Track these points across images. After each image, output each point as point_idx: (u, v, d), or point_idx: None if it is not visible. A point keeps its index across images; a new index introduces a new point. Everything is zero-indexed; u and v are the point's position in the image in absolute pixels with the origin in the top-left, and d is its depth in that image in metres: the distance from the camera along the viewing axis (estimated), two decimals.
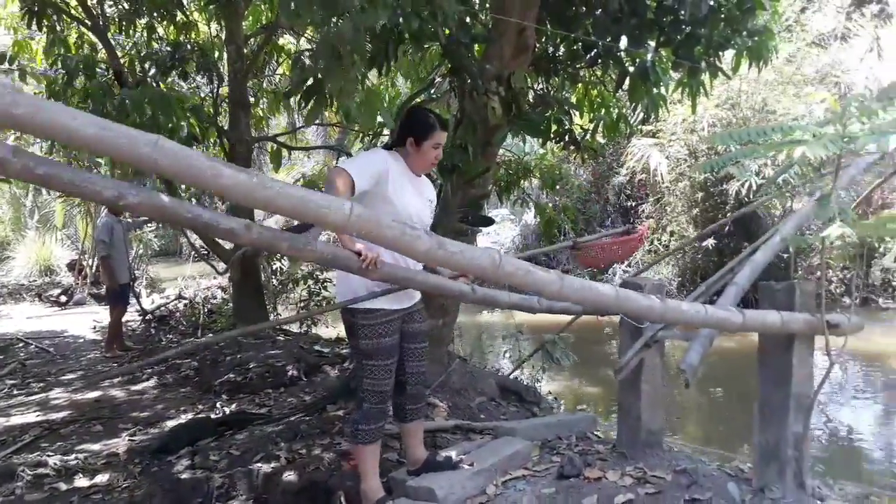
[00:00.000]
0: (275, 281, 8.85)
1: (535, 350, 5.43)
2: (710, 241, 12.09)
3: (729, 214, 11.89)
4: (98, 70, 6.47)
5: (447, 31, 3.42)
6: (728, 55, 5.11)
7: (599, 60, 4.89)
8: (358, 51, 2.66)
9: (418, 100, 6.51)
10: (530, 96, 4.96)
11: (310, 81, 3.36)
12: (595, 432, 4.10)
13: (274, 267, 8.81)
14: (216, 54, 7.83)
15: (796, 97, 11.85)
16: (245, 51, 7.64)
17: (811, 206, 3.25)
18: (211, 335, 7.75)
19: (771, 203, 11.26)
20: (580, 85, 5.95)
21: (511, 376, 5.44)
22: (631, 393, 3.52)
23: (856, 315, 3.01)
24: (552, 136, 5.29)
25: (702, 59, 4.63)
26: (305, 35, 7.53)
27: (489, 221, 4.59)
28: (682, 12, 4.30)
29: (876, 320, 10.38)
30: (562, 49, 5.19)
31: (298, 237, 2.05)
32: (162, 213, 1.74)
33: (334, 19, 3.02)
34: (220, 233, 1.87)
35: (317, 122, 7.89)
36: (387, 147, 3.07)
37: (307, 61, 3.51)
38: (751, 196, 11.23)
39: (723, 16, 4.63)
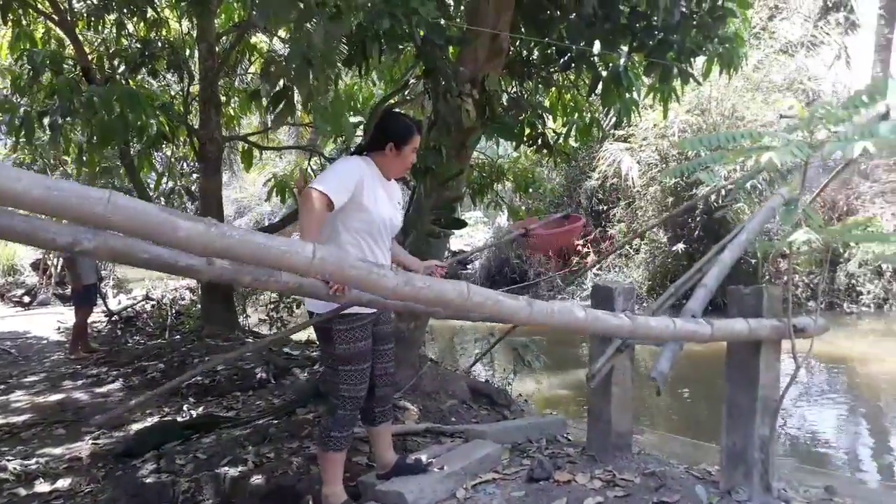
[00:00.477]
0: None
1: (492, 345, 5.42)
2: (681, 246, 12.24)
3: (699, 220, 12.08)
4: (65, 66, 6.34)
5: (421, 33, 3.40)
6: (699, 61, 5.17)
7: (573, 65, 4.91)
8: (327, 57, 2.63)
9: (392, 101, 6.52)
10: (504, 99, 4.97)
11: (280, 86, 3.33)
12: (565, 435, 4.11)
13: None
14: (187, 52, 7.72)
15: (765, 104, 12.05)
16: (217, 49, 7.55)
17: (775, 200, 3.29)
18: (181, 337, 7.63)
19: (740, 208, 11.43)
20: (554, 89, 5.98)
21: (483, 379, 5.44)
22: (601, 396, 3.53)
23: (821, 318, 3.06)
24: (525, 139, 5.31)
25: (673, 64, 4.67)
26: (278, 35, 7.47)
27: (461, 224, 4.58)
28: (655, 18, 4.33)
29: (841, 324, 10.58)
30: (536, 53, 5.21)
31: (261, 271, 2.02)
32: (119, 256, 1.69)
33: (307, 24, 2.99)
34: (181, 270, 1.84)
35: (289, 122, 7.83)
36: (358, 151, 3.03)
37: (276, 66, 3.47)
38: (720, 201, 11.39)
39: (695, 23, 4.68)
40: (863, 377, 7.96)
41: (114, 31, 7.20)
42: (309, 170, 7.97)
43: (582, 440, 3.80)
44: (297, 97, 3.61)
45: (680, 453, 4.65)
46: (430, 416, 4.38)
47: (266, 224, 13.81)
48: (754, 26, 12.91)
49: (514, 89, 5.55)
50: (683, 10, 4.54)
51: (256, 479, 3.54)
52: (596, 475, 3.21)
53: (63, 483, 3.73)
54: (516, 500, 3.02)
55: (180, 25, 8.19)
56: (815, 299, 11.55)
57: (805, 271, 11.76)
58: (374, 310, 2.94)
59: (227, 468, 3.67)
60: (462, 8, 5.08)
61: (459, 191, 4.49)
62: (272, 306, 8.05)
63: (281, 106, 3.56)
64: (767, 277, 11.00)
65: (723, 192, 11.08)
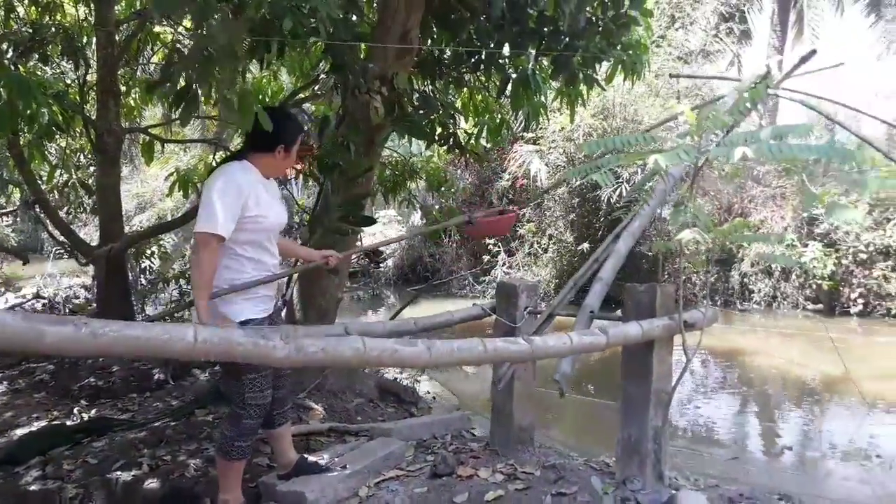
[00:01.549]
0: (144, 280, 8.39)
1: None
2: (586, 245, 12.60)
3: (602, 221, 12.49)
4: None
5: (330, 29, 3.36)
6: (605, 66, 5.34)
7: (482, 66, 4.98)
8: (229, 52, 2.55)
9: (302, 95, 6.41)
10: (415, 98, 4.98)
11: (182, 81, 3.21)
12: (471, 430, 4.17)
13: (143, 265, 8.36)
14: (84, 39, 7.32)
15: (665, 109, 12.57)
16: (117, 37, 7.20)
17: (660, 192, 3.45)
18: None
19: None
20: (465, 89, 6.04)
21: (390, 377, 5.43)
22: (504, 392, 3.60)
23: (710, 310, 3.22)
24: (437, 138, 5.33)
25: (579, 69, 4.81)
26: (183, 25, 7.21)
27: (371, 221, 4.56)
28: (562, 24, 4.44)
29: (734, 321, 11.18)
30: (448, 53, 5.25)
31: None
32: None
33: (209, 19, 2.90)
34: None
35: (196, 115, 7.57)
36: (236, 156, 2.89)
37: (178, 60, 3.35)
38: (621, 202, 11.80)
39: (600, 29, 4.83)
40: (754, 370, 8.43)
41: (2, 13, 6.74)
42: (214, 163, 7.72)
43: (487, 435, 3.86)
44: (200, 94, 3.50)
45: (581, 446, 4.79)
46: (336, 415, 4.35)
47: (169, 219, 13.28)
48: (658, 35, 13.43)
49: (426, 88, 5.57)
50: (589, 16, 4.69)
51: (151, 483, 3.41)
52: (498, 469, 3.28)
53: None
54: (419, 496, 3.03)
55: (76, 11, 7.76)
56: (708, 297, 12.17)
57: (703, 270, 12.35)
58: (269, 311, 2.88)
59: (119, 473, 3.52)
60: (374, 5, 5.06)
61: (368, 188, 4.47)
62: (173, 305, 7.76)
63: (184, 103, 3.44)
64: (667, 276, 11.49)
65: (623, 193, 11.53)
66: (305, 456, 3.22)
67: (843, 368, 6.42)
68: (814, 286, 12.19)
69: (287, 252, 3.15)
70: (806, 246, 12.13)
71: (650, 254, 11.55)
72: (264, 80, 7.82)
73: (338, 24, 3.26)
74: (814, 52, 3.74)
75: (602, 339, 2.69)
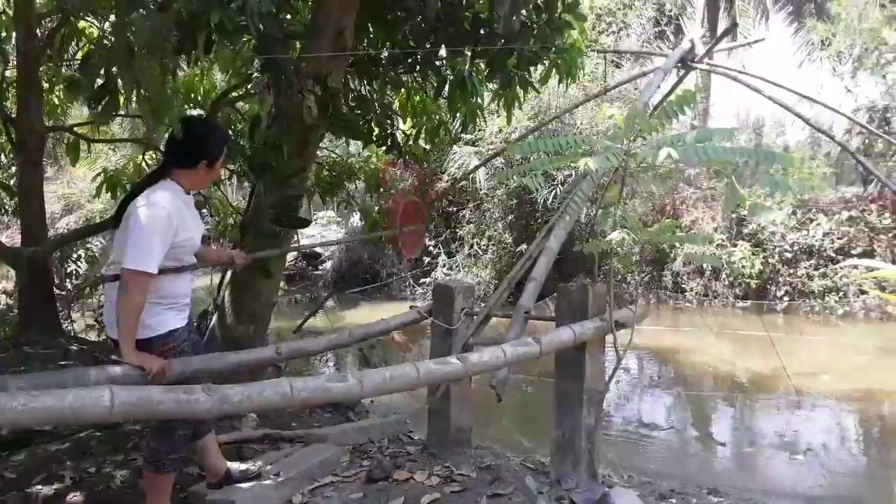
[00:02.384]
0: (69, 285, 8.06)
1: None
2: (524, 246, 12.73)
3: (539, 221, 12.65)
4: None
5: (260, 26, 3.28)
6: (540, 69, 5.40)
7: (419, 67, 4.96)
8: (153, 47, 2.47)
9: (235, 94, 6.27)
10: (351, 98, 4.93)
11: (102, 77, 3.09)
12: (408, 433, 4.14)
13: (68, 269, 8.03)
14: (3, 33, 6.99)
15: (598, 112, 12.83)
16: (38, 31, 6.90)
17: (587, 188, 3.51)
18: None
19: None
20: (403, 90, 6.01)
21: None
22: (441, 394, 3.59)
23: (641, 308, 3.29)
24: (374, 139, 5.29)
25: (514, 72, 4.84)
26: (109, 20, 6.96)
27: (305, 223, 4.48)
28: (497, 26, 4.46)
29: (667, 320, 11.47)
30: (385, 53, 5.21)
31: None
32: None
33: (131, 13, 2.80)
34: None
35: (120, 114, 7.31)
36: (158, 172, 2.74)
37: (98, 55, 3.22)
38: (556, 203, 11.99)
39: (534, 32, 4.88)
40: (688, 367, 8.67)
41: None
42: (143, 164, 7.47)
43: (425, 438, 3.84)
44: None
45: (519, 446, 4.82)
46: (270, 422, 4.25)
47: (97, 221, 12.81)
48: (591, 40, 13.69)
49: (363, 89, 5.52)
50: (524, 19, 4.72)
51: (74, 497, 3.26)
52: (434, 472, 3.27)
53: None
54: (354, 501, 3.00)
55: None
56: (642, 294, 12.48)
57: (635, 270, 12.63)
58: (186, 320, 2.79)
59: (40, 487, 3.35)
60: (308, 3, 4.98)
61: (302, 189, 4.39)
62: (100, 311, 7.48)
63: (105, 100, 3.31)
64: (602, 276, 11.71)
65: (558, 194, 11.72)
66: (237, 464, 3.14)
67: (776, 364, 6.69)
68: (743, 284, 12.62)
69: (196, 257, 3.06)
70: (735, 246, 12.56)
71: (587, 254, 11.74)
72: (196, 79, 7.63)
73: (268, 20, 3.19)
74: (735, 25, 3.88)
75: (535, 348, 2.72)
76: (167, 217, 2.51)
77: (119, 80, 3.16)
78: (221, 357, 2.80)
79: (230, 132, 5.47)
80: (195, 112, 7.11)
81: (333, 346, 3.50)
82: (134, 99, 3.13)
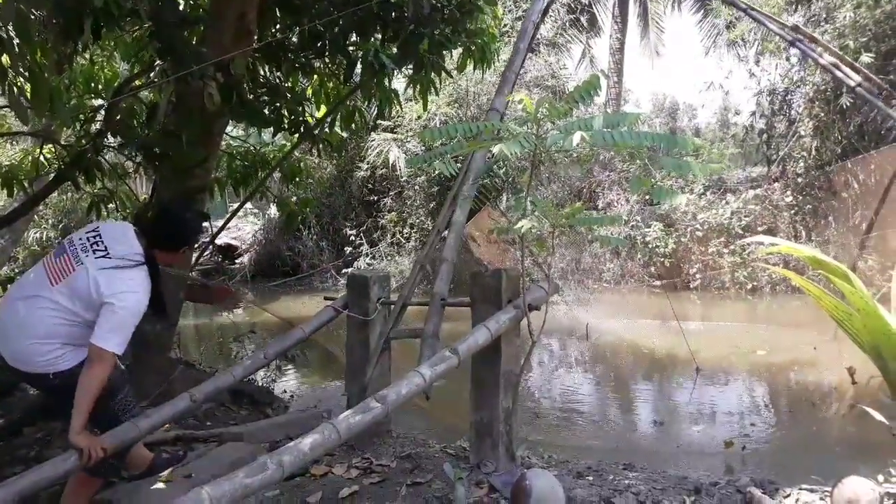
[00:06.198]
0: None
1: None
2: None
3: None
4: None
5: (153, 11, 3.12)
6: (456, 55, 5.37)
7: (328, 51, 4.84)
8: (23, 34, 2.29)
9: (137, 82, 5.96)
10: (259, 84, 4.77)
11: None
12: None
13: None
14: None
15: (517, 99, 12.96)
16: None
17: (482, 156, 3.53)
18: None
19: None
20: (316, 77, 5.86)
21: (245, 379, 5.19)
22: (358, 384, 3.55)
23: (552, 285, 3.32)
24: (285, 126, 5.14)
25: (426, 56, 4.79)
26: None
27: (204, 217, 4.32)
28: (406, 10, 4.40)
29: (586, 300, 11.69)
30: (294, 38, 5.05)
31: None
32: None
33: None
34: None
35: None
36: (144, 258, 2.65)
37: None
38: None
39: (445, 16, 4.83)
40: (606, 347, 8.87)
41: None
42: (42, 158, 7.03)
43: None
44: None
45: (441, 432, 4.81)
46: (184, 422, 4.10)
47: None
48: (505, 25, 13.77)
49: (272, 75, 5.35)
50: (434, 3, 4.67)
51: None
52: (353, 464, 3.22)
53: None
54: (270, 499, 2.92)
55: None
56: (557, 274, 12.70)
57: (546, 253, 12.85)
58: None
59: None
60: None
61: (205, 180, 4.22)
62: None
63: None
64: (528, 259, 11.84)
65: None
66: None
67: (688, 343, 6.97)
68: (657, 264, 13.03)
69: None
70: (649, 227, 12.94)
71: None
72: (96, 68, 7.22)
73: (161, 3, 3.03)
74: None
75: (454, 360, 2.70)
76: (143, 304, 2.56)
77: None
78: (142, 422, 2.77)
79: (133, 123, 5.22)
80: (96, 102, 6.74)
81: (250, 372, 3.43)
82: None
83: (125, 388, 2.77)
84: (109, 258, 2.53)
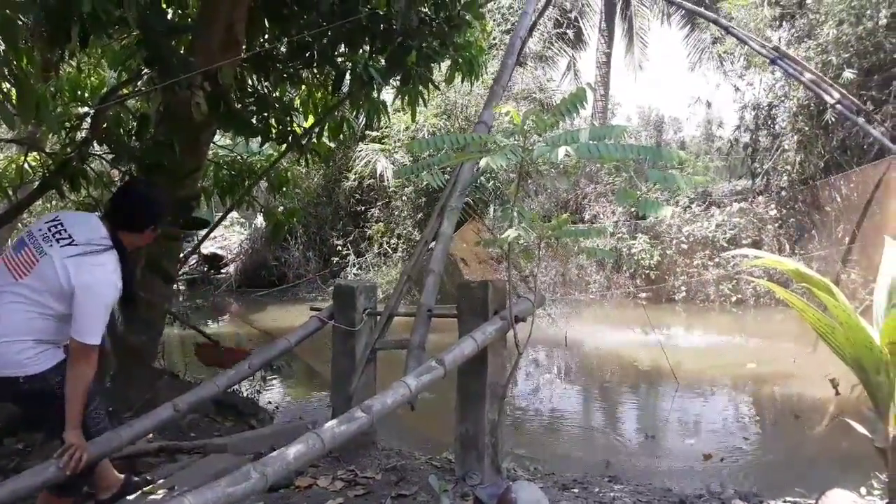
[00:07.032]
0: None
1: None
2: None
3: None
4: None
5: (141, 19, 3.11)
6: (444, 68, 5.40)
7: (316, 62, 4.86)
8: (8, 41, 2.28)
9: (125, 90, 5.93)
10: (246, 94, 4.77)
11: None
12: None
13: None
14: None
15: (504, 111, 13.03)
16: None
17: (469, 168, 3.54)
18: None
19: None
20: (304, 87, 5.87)
21: (229, 390, 5.16)
22: (344, 394, 3.54)
23: (539, 296, 3.33)
24: (273, 136, 5.14)
25: (413, 68, 4.81)
26: None
27: (204, 224, 4.31)
28: (395, 22, 4.42)
29: (573, 311, 11.72)
30: (283, 48, 5.06)
31: None
32: None
33: None
34: None
35: None
36: (111, 242, 2.58)
37: None
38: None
39: (433, 29, 4.86)
40: (592, 358, 8.90)
41: None
42: (26, 166, 6.97)
43: None
44: None
45: (427, 444, 4.80)
46: (168, 433, 4.06)
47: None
48: (494, 38, 13.87)
49: (261, 85, 5.35)
50: (422, 16, 4.70)
51: None
52: (338, 476, 3.21)
53: None
54: None
55: None
56: (543, 287, 12.74)
57: (532, 265, 12.89)
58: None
59: None
60: None
61: (195, 189, 4.21)
62: None
63: None
64: (514, 272, 11.87)
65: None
66: (129, 475, 3.00)
67: (673, 356, 6.99)
68: (643, 276, 13.10)
69: None
70: (634, 239, 13.01)
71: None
72: (83, 76, 7.18)
73: (149, 11, 3.03)
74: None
75: (440, 370, 2.70)
76: (116, 290, 2.50)
77: None
78: (124, 431, 2.77)
79: (120, 132, 5.19)
80: (82, 110, 6.70)
81: (234, 382, 3.41)
82: None
83: (95, 401, 2.67)
84: (75, 245, 2.44)
